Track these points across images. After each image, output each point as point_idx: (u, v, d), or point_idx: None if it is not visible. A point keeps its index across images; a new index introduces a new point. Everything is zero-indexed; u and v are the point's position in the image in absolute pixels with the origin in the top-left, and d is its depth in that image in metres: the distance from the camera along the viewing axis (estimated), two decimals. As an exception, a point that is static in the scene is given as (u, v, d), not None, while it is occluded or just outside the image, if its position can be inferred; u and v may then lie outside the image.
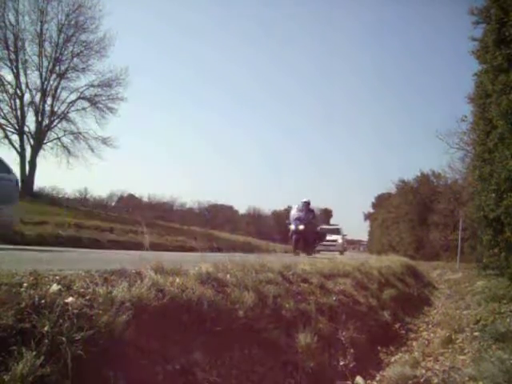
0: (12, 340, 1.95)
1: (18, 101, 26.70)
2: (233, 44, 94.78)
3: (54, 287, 2.43)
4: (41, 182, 45.58)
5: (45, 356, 1.93)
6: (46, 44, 27.04)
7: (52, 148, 28.21)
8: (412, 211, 31.92)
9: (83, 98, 28.70)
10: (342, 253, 22.46)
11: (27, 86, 26.98)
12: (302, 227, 13.25)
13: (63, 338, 2.05)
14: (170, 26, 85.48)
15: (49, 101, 27.75)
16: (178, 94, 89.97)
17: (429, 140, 39.89)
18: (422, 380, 3.92)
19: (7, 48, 25.71)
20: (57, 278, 2.66)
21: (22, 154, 26.54)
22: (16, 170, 26.41)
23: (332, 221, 65.96)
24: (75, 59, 27.97)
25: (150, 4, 77.07)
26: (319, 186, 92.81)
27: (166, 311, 2.83)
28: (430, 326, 7.13)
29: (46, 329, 2.05)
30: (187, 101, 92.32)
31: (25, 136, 26.84)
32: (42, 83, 27.18)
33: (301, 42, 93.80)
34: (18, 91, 26.65)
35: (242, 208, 65.53)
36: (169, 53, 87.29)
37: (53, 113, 27.84)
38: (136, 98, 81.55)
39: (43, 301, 2.22)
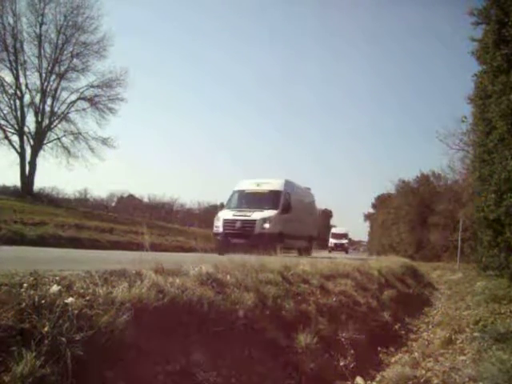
0: (12, 340, 1.95)
1: (17, 101, 26.72)
2: (235, 44, 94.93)
3: (54, 288, 2.43)
4: (41, 182, 45.63)
5: (45, 356, 1.93)
6: (45, 45, 27.11)
7: (52, 148, 28.26)
8: (412, 212, 31.88)
9: (83, 99, 28.73)
10: (346, 252, 32.79)
11: (27, 86, 27.02)
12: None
13: (63, 339, 2.05)
14: (172, 25, 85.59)
15: (49, 101, 27.80)
16: (180, 92, 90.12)
17: (429, 141, 39.93)
18: (422, 380, 3.91)
19: (6, 49, 25.74)
20: (57, 278, 2.65)
21: (21, 155, 26.54)
22: (16, 170, 26.58)
23: (332, 221, 65.99)
24: (75, 60, 28.03)
25: (152, 3, 77.14)
26: (319, 186, 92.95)
27: (166, 312, 2.83)
28: (430, 327, 7.13)
29: (46, 329, 2.05)
30: (191, 99, 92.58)
31: (25, 136, 26.86)
32: (42, 84, 27.21)
33: (302, 44, 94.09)
34: (18, 92, 26.67)
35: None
36: (170, 51, 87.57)
37: (53, 113, 27.86)
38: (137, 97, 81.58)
39: (43, 301, 2.22)
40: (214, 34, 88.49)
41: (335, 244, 37.50)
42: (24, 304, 2.15)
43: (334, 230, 41.55)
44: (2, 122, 26.29)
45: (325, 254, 24.31)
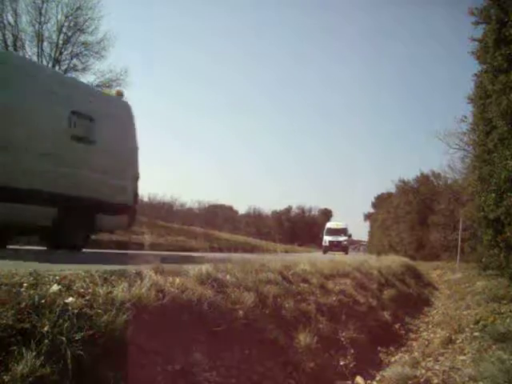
0: (12, 340, 1.95)
1: (17, 101, 26.73)
2: (227, 49, 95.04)
3: (54, 287, 2.43)
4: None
5: (45, 356, 1.93)
6: (46, 44, 27.08)
7: (52, 148, 28.20)
8: (412, 211, 31.89)
9: (83, 98, 28.72)
10: (346, 252, 27.57)
11: (27, 86, 27.03)
12: None
13: (63, 338, 2.05)
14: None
15: (49, 101, 27.79)
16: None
17: (429, 141, 39.82)
18: (421, 380, 3.92)
19: (6, 48, 25.73)
20: (57, 278, 2.65)
21: (22, 155, 26.53)
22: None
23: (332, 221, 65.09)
24: (74, 60, 28.02)
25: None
26: (319, 186, 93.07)
27: (166, 311, 2.83)
28: (430, 327, 7.13)
29: (46, 329, 2.05)
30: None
31: (25, 136, 26.87)
32: (42, 83, 27.22)
33: (298, 48, 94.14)
34: (18, 91, 26.68)
35: (241, 208, 65.66)
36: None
37: (53, 113, 27.85)
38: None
39: (43, 301, 2.22)
40: (209, 37, 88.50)
41: (331, 242, 29.39)
42: (24, 304, 2.15)
43: (329, 225, 32.03)
44: (2, 122, 26.33)
45: (319, 254, 20.40)
